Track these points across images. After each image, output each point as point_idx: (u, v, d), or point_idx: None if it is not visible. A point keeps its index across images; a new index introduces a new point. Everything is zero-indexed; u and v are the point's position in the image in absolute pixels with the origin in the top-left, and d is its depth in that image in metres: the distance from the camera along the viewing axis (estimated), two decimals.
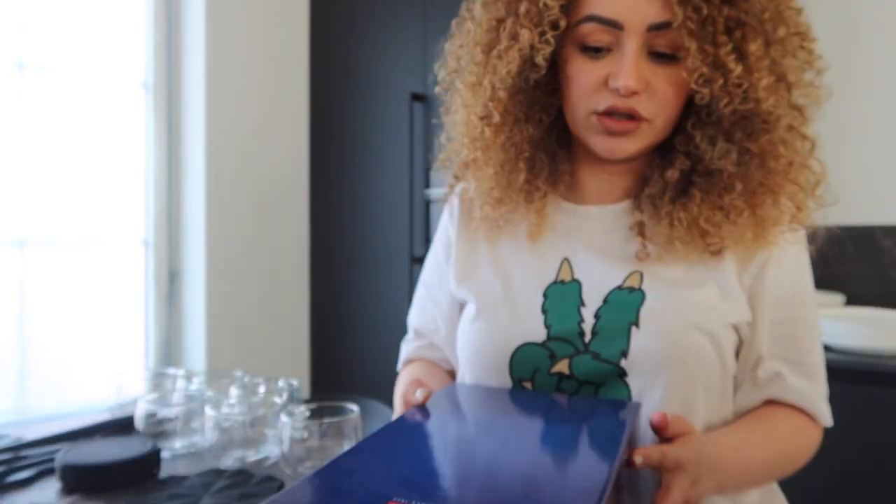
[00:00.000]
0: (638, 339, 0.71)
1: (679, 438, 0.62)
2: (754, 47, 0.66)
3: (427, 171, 2.21)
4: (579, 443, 0.61)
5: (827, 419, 0.77)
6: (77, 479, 0.95)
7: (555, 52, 0.74)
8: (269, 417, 1.07)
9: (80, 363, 2.16)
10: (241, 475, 1.01)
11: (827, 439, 0.79)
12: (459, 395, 0.74)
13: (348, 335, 2.49)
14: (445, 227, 0.92)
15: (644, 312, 0.72)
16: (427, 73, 2.19)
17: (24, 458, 1.05)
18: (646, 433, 0.68)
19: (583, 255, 0.78)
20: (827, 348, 1.21)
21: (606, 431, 0.61)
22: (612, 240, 0.79)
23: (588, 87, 0.72)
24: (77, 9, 2.13)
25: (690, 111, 0.73)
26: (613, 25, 0.68)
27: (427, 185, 2.21)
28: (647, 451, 0.59)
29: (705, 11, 0.65)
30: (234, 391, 1.17)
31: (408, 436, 0.60)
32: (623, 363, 0.71)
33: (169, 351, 2.37)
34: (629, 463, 0.59)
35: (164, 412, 1.08)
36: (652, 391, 0.70)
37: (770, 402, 0.77)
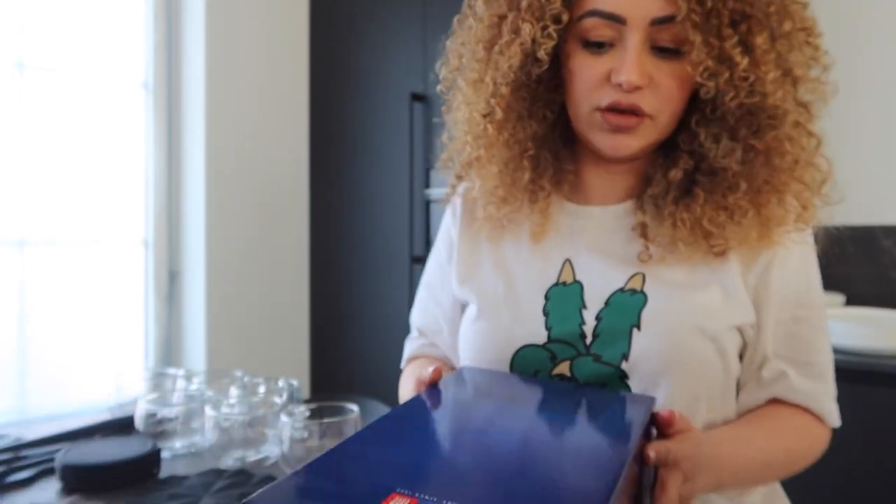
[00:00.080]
0: (639, 341, 0.70)
1: (678, 435, 0.62)
2: (760, 40, 0.65)
3: (427, 171, 2.21)
4: (592, 436, 0.60)
5: (834, 419, 0.76)
6: (77, 479, 0.95)
7: (557, 47, 0.73)
8: (269, 417, 1.07)
9: (80, 363, 2.16)
10: (241, 475, 1.01)
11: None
12: (467, 380, 0.72)
13: (348, 335, 2.49)
14: (448, 227, 0.92)
15: (646, 315, 0.71)
16: (427, 73, 2.19)
17: (24, 458, 1.05)
18: None
19: (585, 256, 0.78)
20: None
21: (620, 424, 0.61)
22: (614, 241, 0.78)
23: (590, 82, 0.71)
24: (77, 9, 2.13)
25: (695, 108, 0.73)
26: (616, 20, 0.68)
27: (427, 185, 2.21)
28: (658, 447, 0.59)
29: (709, 4, 0.65)
30: (234, 391, 1.17)
31: (414, 422, 0.59)
32: (624, 366, 0.71)
33: (169, 351, 2.37)
34: (642, 457, 0.58)
35: (164, 412, 1.08)
36: (653, 394, 0.70)
37: (775, 402, 0.76)
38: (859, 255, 2.00)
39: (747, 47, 0.66)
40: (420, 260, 2.23)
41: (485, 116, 0.77)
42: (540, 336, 0.74)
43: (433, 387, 0.68)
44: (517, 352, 0.75)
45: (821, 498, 1.58)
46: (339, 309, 2.53)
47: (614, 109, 0.70)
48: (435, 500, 0.43)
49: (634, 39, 0.67)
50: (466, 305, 0.84)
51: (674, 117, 0.72)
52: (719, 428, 0.73)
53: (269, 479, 1.00)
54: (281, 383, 1.21)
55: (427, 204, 2.22)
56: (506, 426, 0.59)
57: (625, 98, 0.69)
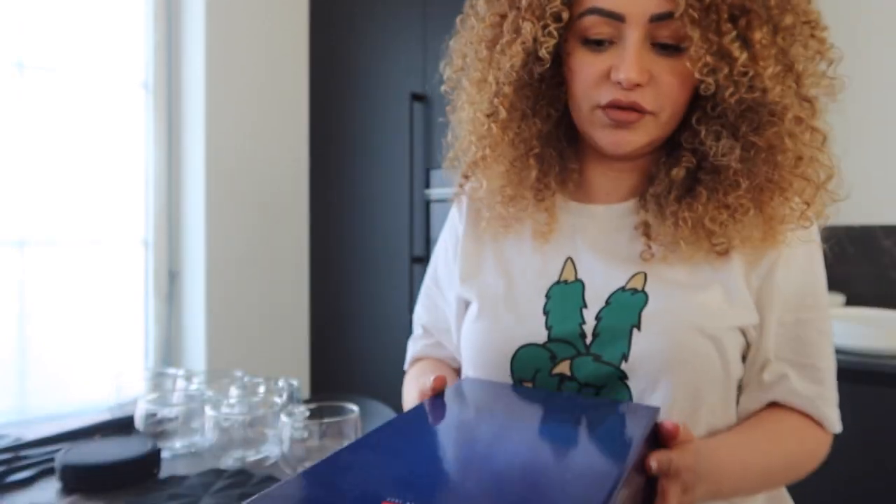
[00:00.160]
0: (639, 342, 0.70)
1: (679, 445, 0.61)
2: (759, 35, 0.65)
3: (427, 171, 2.21)
4: (590, 448, 0.59)
5: (834, 425, 0.76)
6: (77, 479, 0.95)
7: (559, 45, 0.73)
8: (269, 417, 1.07)
9: (80, 363, 2.16)
10: (241, 475, 1.01)
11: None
12: (467, 392, 0.72)
13: (348, 335, 2.49)
14: (454, 225, 0.91)
15: (646, 315, 0.71)
16: (427, 73, 2.19)
17: (24, 458, 1.05)
18: None
19: (587, 255, 0.77)
20: None
21: (620, 434, 0.60)
22: (616, 240, 0.77)
23: (591, 80, 0.71)
24: (77, 9, 2.13)
25: (697, 105, 0.72)
26: (615, 17, 0.68)
27: (427, 185, 2.21)
28: (660, 456, 0.58)
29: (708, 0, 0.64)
30: (234, 391, 1.17)
31: (410, 432, 0.58)
32: (624, 366, 0.70)
33: (169, 351, 2.37)
34: (644, 468, 0.58)
35: (164, 412, 1.08)
36: (653, 395, 0.69)
37: (775, 405, 0.75)
38: (859, 255, 2.00)
39: (746, 42, 0.65)
40: (420, 260, 2.23)
41: (489, 116, 0.77)
42: (540, 335, 0.74)
43: (434, 398, 0.68)
44: (517, 351, 0.75)
45: (820, 498, 1.58)
46: (339, 309, 2.53)
47: (615, 107, 0.70)
48: None
49: (634, 37, 0.67)
50: (469, 304, 0.84)
51: (675, 114, 0.72)
52: (718, 435, 0.72)
53: (269, 479, 1.00)
54: (281, 383, 1.21)
55: (427, 204, 2.22)
56: (503, 439, 0.59)
57: (624, 96, 0.69)
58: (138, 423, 1.08)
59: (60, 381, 2.11)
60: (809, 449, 0.75)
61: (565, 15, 0.70)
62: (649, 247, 0.74)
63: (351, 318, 2.48)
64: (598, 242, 0.78)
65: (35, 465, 1.02)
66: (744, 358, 0.75)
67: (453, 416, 0.65)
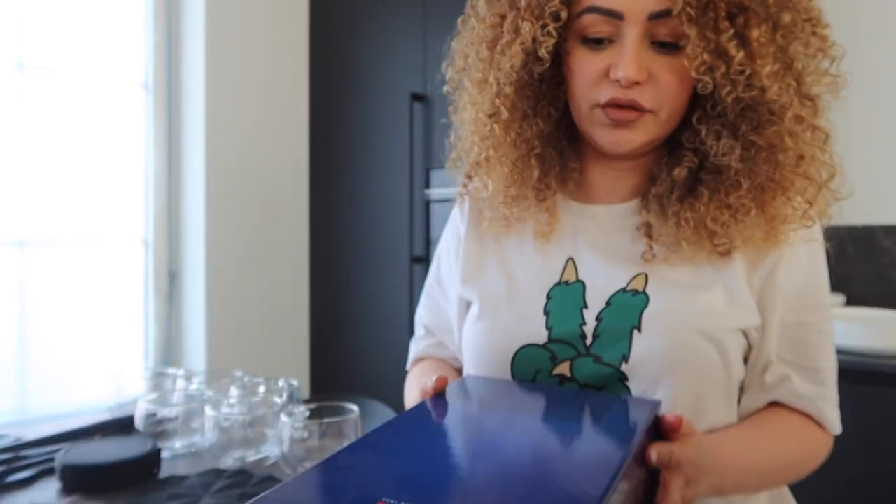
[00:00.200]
0: (639, 343, 0.70)
1: (681, 438, 0.61)
2: (757, 33, 0.64)
3: (427, 171, 2.21)
4: (590, 439, 0.59)
5: (835, 426, 0.76)
6: (77, 479, 0.95)
7: (558, 45, 0.73)
8: (269, 417, 1.07)
9: (80, 363, 2.16)
10: (241, 475, 1.01)
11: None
12: (469, 389, 0.72)
13: (348, 335, 2.49)
14: (455, 226, 0.91)
15: (647, 316, 0.71)
16: (427, 73, 2.19)
17: (24, 458, 1.05)
18: None
19: (588, 255, 0.77)
20: None
21: (621, 427, 0.60)
22: (618, 240, 0.77)
23: (590, 78, 0.71)
24: (77, 9, 2.13)
25: (697, 105, 0.72)
26: (613, 15, 0.67)
27: (427, 185, 2.21)
28: (661, 448, 0.58)
29: None
30: (234, 391, 1.17)
31: (410, 431, 0.58)
32: (624, 367, 0.70)
33: (169, 351, 2.37)
34: (645, 460, 0.58)
35: (164, 412, 1.08)
36: (654, 396, 0.69)
37: (776, 405, 0.75)
38: (859, 255, 2.00)
39: (744, 40, 0.65)
40: (420, 260, 2.23)
41: (490, 117, 0.77)
42: (540, 336, 0.74)
43: (435, 397, 0.68)
44: (517, 351, 0.75)
45: (820, 498, 1.58)
46: (339, 309, 2.53)
47: (614, 105, 0.70)
48: None
49: (632, 35, 0.67)
50: (470, 304, 0.84)
51: (675, 113, 0.72)
52: (721, 430, 0.72)
53: (270, 479, 1.00)
54: (281, 383, 1.21)
55: (427, 204, 2.22)
56: (504, 433, 0.59)
57: (623, 94, 0.69)
58: (138, 423, 1.08)
59: (60, 381, 2.11)
60: (810, 449, 0.75)
61: (564, 14, 0.70)
62: (651, 247, 0.74)
63: (351, 318, 2.48)
64: (600, 243, 0.78)
65: (35, 465, 1.02)
66: (745, 359, 0.75)
67: (453, 414, 0.65)
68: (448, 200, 2.13)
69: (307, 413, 1.00)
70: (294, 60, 2.57)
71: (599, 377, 0.71)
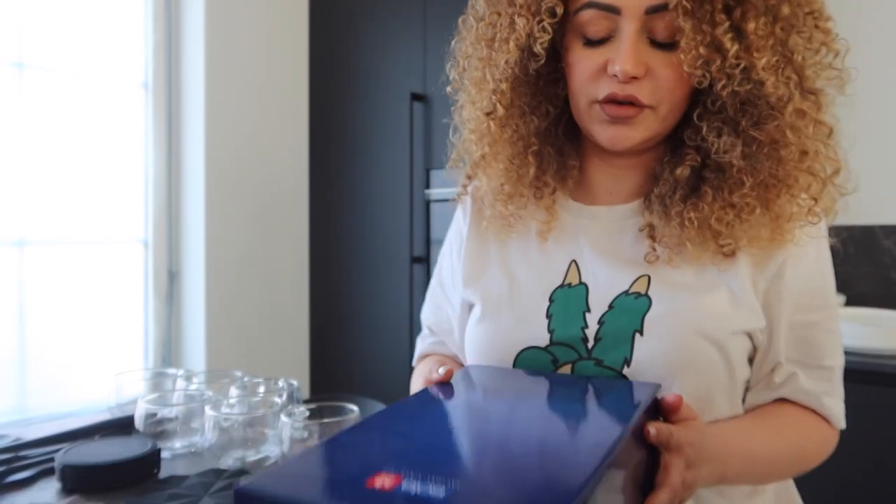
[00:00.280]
0: (641, 347, 0.70)
1: (683, 422, 0.61)
2: (754, 25, 0.64)
3: (427, 171, 2.21)
4: (588, 418, 0.60)
5: (840, 421, 0.76)
6: (77, 479, 0.95)
7: (556, 41, 0.73)
8: (269, 417, 1.07)
9: (80, 363, 2.16)
10: (241, 475, 1.00)
11: None
12: (473, 376, 0.72)
13: (348, 335, 2.49)
14: (459, 226, 0.91)
15: (649, 320, 0.70)
16: (427, 73, 2.19)
17: (24, 458, 1.05)
18: None
19: (591, 257, 0.77)
20: None
21: (619, 406, 0.60)
22: (620, 242, 0.77)
23: (587, 74, 0.71)
24: (77, 9, 2.13)
25: (698, 102, 0.71)
26: (611, 10, 0.67)
27: (427, 185, 2.21)
28: (659, 425, 0.58)
29: None
30: (234, 391, 1.17)
31: (412, 413, 0.59)
32: (626, 371, 0.70)
33: (169, 351, 2.37)
34: (644, 441, 0.58)
35: (163, 412, 1.08)
36: None
37: (781, 400, 0.75)
38: (859, 255, 2.00)
39: (740, 33, 0.64)
40: (420, 260, 2.23)
41: (488, 114, 0.77)
42: (542, 339, 0.74)
43: (439, 384, 0.68)
44: (519, 354, 0.75)
45: (819, 497, 1.58)
46: (339, 309, 2.53)
47: (612, 101, 0.70)
48: (420, 475, 0.44)
49: (629, 29, 0.67)
50: (472, 306, 0.83)
51: (674, 109, 0.71)
52: (726, 421, 0.72)
53: None
54: (281, 383, 1.21)
55: (427, 204, 2.22)
56: (504, 414, 0.59)
57: (621, 89, 0.68)
58: (138, 423, 1.08)
59: (60, 381, 2.11)
60: (815, 443, 0.75)
61: (560, 10, 0.70)
62: (654, 249, 0.73)
63: (351, 318, 2.48)
64: (602, 244, 0.77)
65: (35, 465, 1.02)
66: (750, 360, 0.74)
67: (455, 397, 0.65)
68: (448, 200, 2.13)
69: (307, 413, 1.00)
70: (294, 60, 2.57)
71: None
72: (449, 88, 0.85)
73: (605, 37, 0.69)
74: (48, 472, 1.02)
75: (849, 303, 1.98)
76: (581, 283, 0.76)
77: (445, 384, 0.68)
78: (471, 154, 0.84)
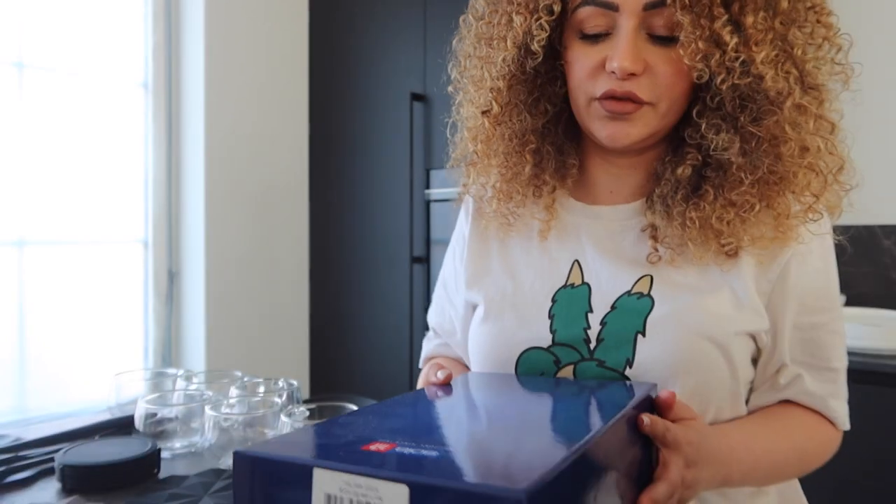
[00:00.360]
0: (643, 348, 0.69)
1: (682, 421, 0.61)
2: (752, 19, 0.63)
3: (427, 171, 2.21)
4: (578, 407, 0.61)
5: (844, 422, 0.76)
6: (77, 479, 0.95)
7: (554, 39, 0.73)
8: (269, 417, 1.07)
9: (80, 363, 2.16)
10: None
11: None
12: (472, 378, 0.74)
13: (348, 335, 2.49)
14: (461, 227, 0.91)
15: (651, 321, 0.70)
16: (427, 73, 2.19)
17: (24, 458, 1.05)
18: None
19: (593, 256, 0.76)
20: None
21: (611, 400, 0.61)
22: (623, 242, 0.76)
23: (586, 71, 0.71)
24: (77, 9, 2.13)
25: (698, 99, 0.71)
26: (609, 7, 0.67)
27: (427, 185, 2.21)
28: (655, 417, 0.58)
29: None
30: (233, 391, 1.17)
31: (408, 402, 0.61)
32: (628, 372, 0.70)
33: (169, 351, 2.37)
34: (638, 435, 0.58)
35: (163, 412, 1.08)
36: None
37: (786, 402, 0.75)
38: (859, 255, 2.00)
39: (738, 26, 0.64)
40: (420, 260, 2.23)
41: (484, 112, 0.77)
42: (544, 339, 0.74)
43: (438, 385, 0.69)
44: (522, 354, 0.75)
45: (818, 497, 1.58)
46: (339, 309, 2.53)
47: (611, 98, 0.69)
48: (413, 444, 0.45)
49: (628, 26, 0.67)
50: (476, 307, 0.83)
51: (674, 105, 0.71)
52: (729, 423, 0.72)
53: None
54: (281, 383, 1.21)
55: (427, 204, 2.22)
56: (493, 404, 0.62)
57: (619, 86, 0.68)
58: (138, 423, 1.08)
59: (60, 381, 2.11)
60: (819, 444, 0.75)
61: (557, 7, 0.70)
62: (656, 249, 0.73)
63: (351, 318, 2.48)
64: (605, 244, 0.77)
65: (35, 465, 1.02)
66: (754, 361, 0.74)
67: (451, 393, 0.67)
68: (448, 200, 2.13)
69: (307, 413, 1.00)
70: (294, 60, 2.57)
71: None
72: (450, 88, 0.85)
73: (603, 33, 0.69)
74: (48, 472, 1.02)
75: (849, 303, 1.98)
76: (584, 283, 0.76)
77: (443, 386, 0.69)
78: (468, 152, 0.84)
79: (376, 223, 2.38)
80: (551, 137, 0.81)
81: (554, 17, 0.71)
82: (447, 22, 0.84)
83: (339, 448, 0.46)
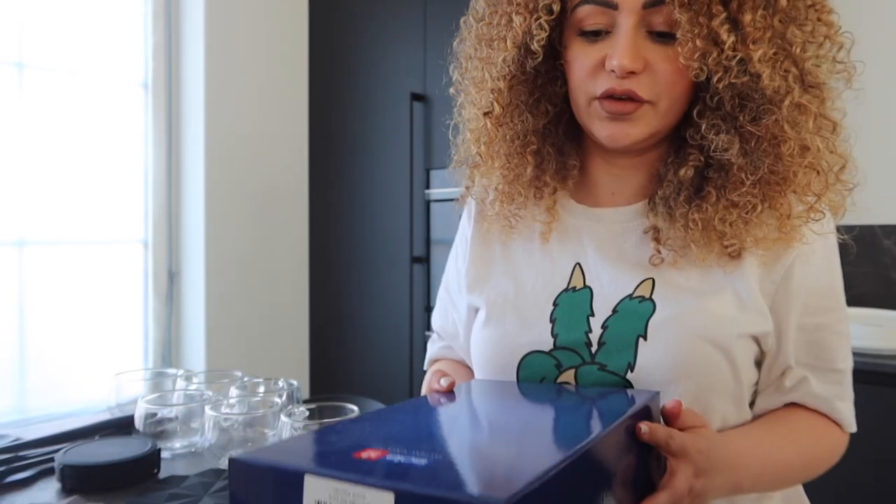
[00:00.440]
0: (645, 352, 0.69)
1: (690, 430, 0.61)
2: (750, 17, 0.63)
3: (427, 171, 2.21)
4: (575, 415, 0.61)
5: (851, 425, 0.75)
6: (77, 479, 0.95)
7: (554, 38, 0.73)
8: (269, 417, 1.07)
9: (80, 363, 2.16)
10: None
11: None
12: (473, 386, 0.74)
13: (348, 335, 2.49)
14: (463, 229, 0.91)
15: (653, 324, 0.69)
16: (427, 73, 2.19)
17: (24, 458, 1.05)
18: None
19: (595, 260, 0.76)
20: None
21: (609, 408, 0.61)
22: (625, 244, 0.76)
23: (586, 70, 0.70)
24: (77, 9, 2.13)
25: (698, 99, 0.71)
26: (608, 6, 0.67)
27: (427, 185, 2.21)
28: (654, 425, 0.58)
29: None
30: (233, 391, 1.17)
31: (408, 409, 0.62)
32: (629, 376, 0.69)
33: (168, 351, 2.37)
34: (636, 432, 0.57)
35: (163, 412, 1.08)
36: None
37: (791, 405, 0.74)
38: (859, 255, 2.00)
39: (736, 24, 0.64)
40: (420, 260, 2.23)
41: (486, 114, 0.77)
42: (545, 343, 0.73)
43: (440, 393, 0.69)
44: (523, 358, 0.74)
45: (818, 497, 1.58)
46: (339, 309, 2.53)
47: (611, 97, 0.69)
48: (404, 452, 0.46)
49: (627, 24, 0.67)
50: (478, 310, 0.83)
51: (674, 104, 0.70)
52: (736, 429, 0.71)
53: None
54: (281, 383, 1.21)
55: (427, 204, 2.22)
56: (490, 413, 0.62)
57: (619, 84, 0.68)
58: (138, 423, 1.08)
59: (60, 381, 2.11)
60: (826, 447, 0.75)
61: (556, 7, 0.70)
62: (658, 251, 0.73)
63: (351, 318, 2.48)
64: (607, 247, 0.77)
65: (35, 465, 1.02)
66: (758, 363, 0.74)
67: (452, 401, 0.67)
68: (448, 200, 2.13)
69: (307, 413, 1.00)
70: (294, 60, 2.57)
71: (604, 385, 0.71)
72: (452, 90, 0.84)
73: (602, 32, 0.69)
74: (48, 472, 1.02)
75: (849, 303, 1.96)
76: (585, 286, 0.75)
77: (445, 393, 0.69)
78: (471, 154, 0.83)
79: (376, 223, 2.38)
80: (552, 138, 0.81)
81: (553, 17, 0.71)
82: (447, 22, 0.84)
83: (331, 455, 0.48)
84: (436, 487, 0.40)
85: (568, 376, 0.72)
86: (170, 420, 1.08)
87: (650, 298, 0.71)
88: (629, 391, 0.68)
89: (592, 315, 0.73)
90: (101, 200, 2.20)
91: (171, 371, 1.31)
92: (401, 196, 2.28)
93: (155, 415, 1.08)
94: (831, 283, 0.74)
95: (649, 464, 0.60)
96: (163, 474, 1.02)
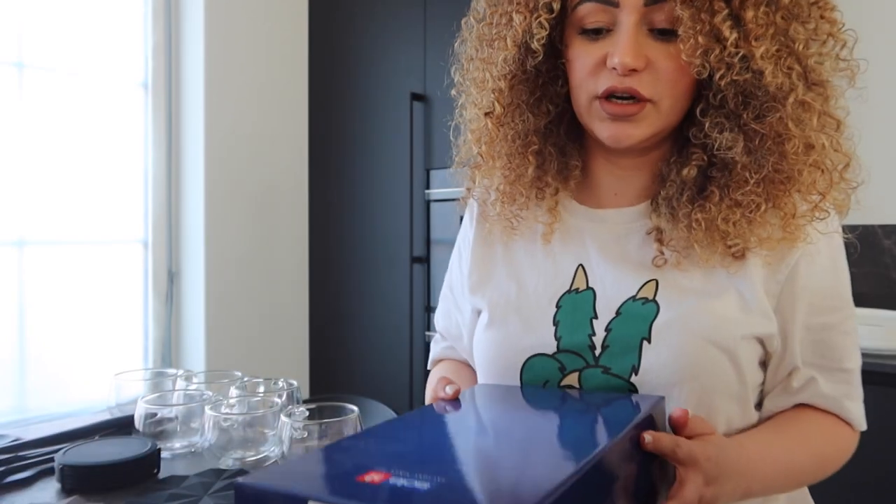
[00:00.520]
0: (649, 355, 0.68)
1: (698, 437, 0.60)
2: (752, 14, 0.63)
3: (427, 171, 2.21)
4: (579, 427, 0.61)
5: (860, 424, 0.75)
6: (77, 479, 0.95)
7: (555, 38, 0.72)
8: (269, 417, 1.07)
9: (80, 363, 2.16)
10: (241, 475, 1.00)
11: None
12: (480, 393, 0.73)
13: (348, 335, 2.49)
14: (466, 230, 0.90)
15: (656, 327, 0.69)
16: (427, 73, 2.19)
17: (24, 458, 1.05)
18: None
19: (598, 261, 0.76)
20: None
21: (614, 418, 0.60)
22: (628, 245, 0.75)
23: (587, 68, 0.70)
24: (77, 9, 2.13)
25: (701, 97, 0.70)
26: (609, 3, 0.67)
27: (427, 185, 2.21)
28: (659, 434, 0.58)
29: None
30: (233, 391, 1.17)
31: (414, 423, 0.62)
32: (634, 379, 0.69)
33: (168, 351, 2.37)
34: (640, 442, 0.57)
35: (163, 412, 1.08)
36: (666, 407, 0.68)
37: (801, 405, 0.74)
38: (859, 255, 2.00)
39: (738, 21, 0.63)
40: (420, 260, 2.23)
41: (487, 114, 0.77)
42: (549, 346, 0.73)
43: (445, 401, 0.69)
44: (526, 361, 0.74)
45: (819, 497, 1.58)
46: (339, 309, 2.53)
47: (612, 96, 0.69)
48: (407, 475, 0.46)
49: (628, 22, 0.66)
50: (480, 312, 0.82)
51: (676, 102, 0.70)
52: (746, 433, 0.71)
53: None
54: (281, 383, 1.21)
55: (427, 204, 2.22)
56: (495, 425, 0.62)
57: (620, 82, 0.67)
58: (138, 423, 1.08)
59: (60, 381, 2.11)
60: (837, 447, 0.74)
61: (556, 6, 0.70)
62: (662, 253, 0.72)
63: (351, 318, 2.48)
64: (610, 248, 0.76)
65: (34, 465, 1.02)
66: (764, 364, 0.73)
67: (458, 411, 0.66)
68: (448, 200, 2.13)
69: (307, 413, 1.00)
70: (294, 60, 2.57)
71: (608, 388, 0.70)
72: (453, 91, 0.84)
73: (603, 29, 0.69)
74: (48, 472, 1.02)
75: None
76: (588, 288, 0.75)
77: (451, 401, 0.69)
78: (472, 155, 0.83)
79: (376, 223, 2.38)
80: (553, 138, 0.80)
81: (554, 16, 0.70)
82: (447, 22, 0.84)
83: (335, 478, 0.48)
84: None
85: (572, 379, 0.72)
86: (170, 420, 1.08)
87: (654, 300, 0.71)
88: (633, 397, 0.67)
89: (596, 317, 0.73)
90: (100, 200, 2.20)
91: (171, 371, 1.31)
92: (401, 196, 2.28)
93: (155, 415, 1.08)
94: (837, 282, 0.74)
95: (651, 471, 0.60)
96: (163, 474, 1.02)
